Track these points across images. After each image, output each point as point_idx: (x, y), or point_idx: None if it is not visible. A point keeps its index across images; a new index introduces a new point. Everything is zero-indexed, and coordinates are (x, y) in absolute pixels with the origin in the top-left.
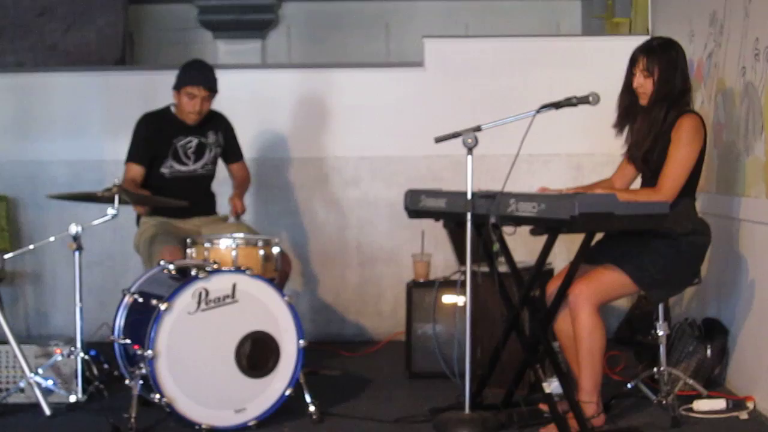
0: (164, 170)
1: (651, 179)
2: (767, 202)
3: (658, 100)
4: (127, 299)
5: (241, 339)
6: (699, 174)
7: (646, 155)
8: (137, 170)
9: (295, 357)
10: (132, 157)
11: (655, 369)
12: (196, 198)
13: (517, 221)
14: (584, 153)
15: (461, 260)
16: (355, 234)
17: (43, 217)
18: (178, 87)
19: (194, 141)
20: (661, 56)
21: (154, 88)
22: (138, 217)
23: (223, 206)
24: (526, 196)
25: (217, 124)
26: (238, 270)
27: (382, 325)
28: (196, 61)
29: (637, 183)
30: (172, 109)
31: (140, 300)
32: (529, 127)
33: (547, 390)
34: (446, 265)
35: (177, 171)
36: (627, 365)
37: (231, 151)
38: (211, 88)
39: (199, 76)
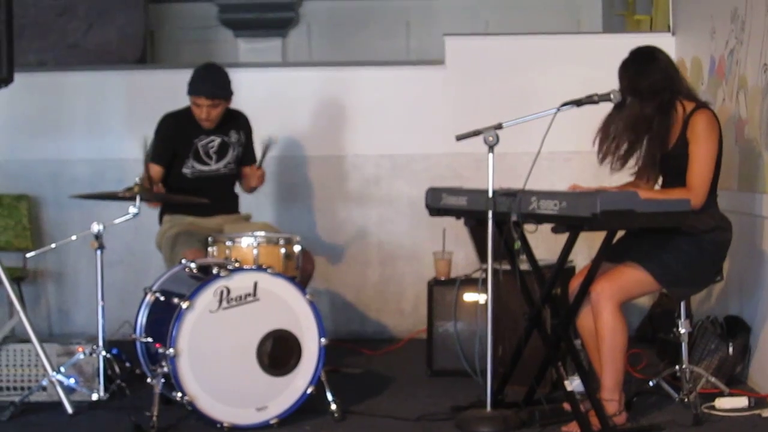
0: (186, 170)
1: (673, 177)
2: None
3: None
4: (149, 297)
5: (262, 337)
6: (718, 170)
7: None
8: (156, 170)
9: (317, 355)
10: (151, 157)
11: (677, 367)
12: (218, 198)
13: (539, 219)
14: None
15: (482, 258)
16: (375, 232)
17: (64, 216)
18: (188, 93)
19: (217, 140)
20: (620, 70)
21: (175, 87)
22: (160, 216)
23: (245, 206)
24: (548, 193)
25: (238, 123)
26: (260, 268)
27: (404, 323)
28: (206, 67)
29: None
30: None
31: (162, 298)
32: (551, 124)
33: (569, 388)
34: (467, 263)
35: (199, 171)
36: (649, 363)
37: (248, 154)
38: (216, 96)
39: (202, 86)
